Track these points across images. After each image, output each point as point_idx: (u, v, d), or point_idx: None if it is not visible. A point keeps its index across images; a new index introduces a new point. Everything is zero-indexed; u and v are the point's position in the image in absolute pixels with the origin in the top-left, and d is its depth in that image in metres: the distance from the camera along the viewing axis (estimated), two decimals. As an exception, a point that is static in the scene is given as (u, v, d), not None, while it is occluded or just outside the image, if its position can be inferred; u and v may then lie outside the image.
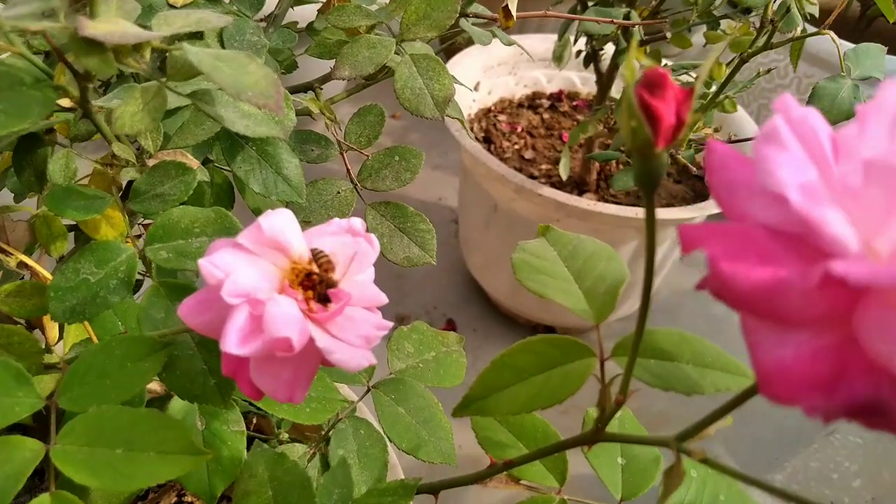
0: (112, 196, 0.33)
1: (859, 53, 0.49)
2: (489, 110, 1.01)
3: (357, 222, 0.28)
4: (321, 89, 0.43)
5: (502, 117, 1.00)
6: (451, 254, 1.06)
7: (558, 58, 0.82)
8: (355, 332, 0.26)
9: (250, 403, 0.40)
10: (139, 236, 0.38)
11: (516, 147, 0.96)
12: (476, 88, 0.98)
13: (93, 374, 0.28)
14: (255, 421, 0.46)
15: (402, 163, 0.42)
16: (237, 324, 0.24)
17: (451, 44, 0.57)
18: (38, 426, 0.31)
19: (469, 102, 0.97)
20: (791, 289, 0.17)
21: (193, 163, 0.34)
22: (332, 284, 0.26)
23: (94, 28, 0.24)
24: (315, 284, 0.26)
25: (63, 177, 0.32)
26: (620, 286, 0.28)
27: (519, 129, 0.99)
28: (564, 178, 0.82)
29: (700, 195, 0.91)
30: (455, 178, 1.15)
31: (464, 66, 0.95)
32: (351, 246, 0.27)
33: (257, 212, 0.46)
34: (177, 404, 0.35)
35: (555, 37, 0.85)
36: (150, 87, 0.27)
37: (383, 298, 0.28)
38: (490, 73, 1.00)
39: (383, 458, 0.39)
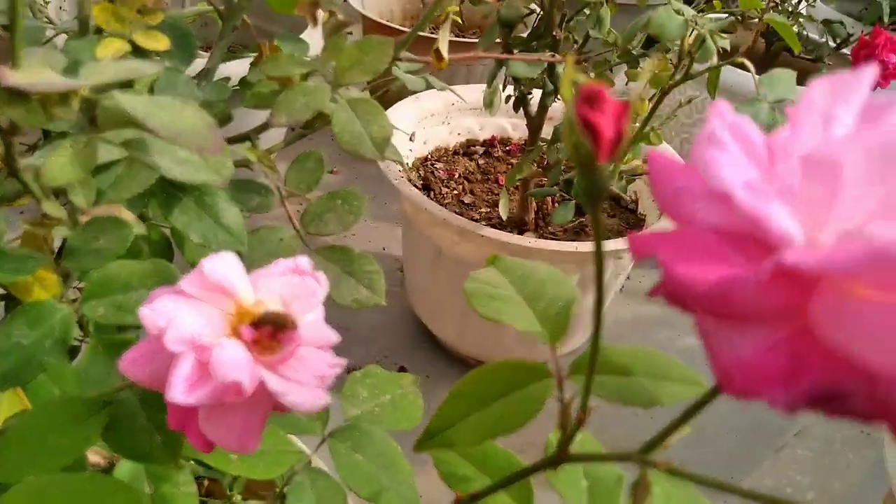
0: (43, 256, 0.32)
1: (772, 78, 0.51)
2: (426, 159, 1.02)
3: (304, 261, 0.27)
4: (258, 139, 0.43)
5: (439, 165, 1.01)
6: (399, 302, 1.05)
7: (489, 104, 0.83)
8: (308, 372, 0.25)
9: (200, 463, 0.38)
10: (74, 300, 0.36)
11: (455, 193, 0.97)
12: (412, 139, 0.99)
13: (29, 441, 0.26)
14: (206, 484, 0.44)
15: (344, 206, 0.42)
16: (183, 372, 0.23)
17: (384, 92, 0.58)
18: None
19: (406, 152, 0.98)
20: (744, 285, 0.17)
21: (129, 216, 0.33)
22: (286, 325, 0.26)
23: (17, 77, 0.23)
24: (264, 327, 0.26)
25: (-10, 238, 0.31)
26: (572, 307, 0.28)
27: (456, 176, 1.00)
28: (504, 218, 0.83)
29: (634, 227, 0.93)
30: (397, 228, 1.15)
31: (397, 118, 0.96)
32: (298, 286, 0.27)
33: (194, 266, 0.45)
34: (123, 469, 0.33)
35: (483, 86, 0.87)
36: (79, 137, 0.27)
37: (334, 337, 0.27)
38: (424, 124, 1.01)
39: (344, 509, 0.37)
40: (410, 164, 0.99)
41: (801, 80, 1.17)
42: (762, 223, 0.17)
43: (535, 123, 0.80)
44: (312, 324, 0.27)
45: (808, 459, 0.95)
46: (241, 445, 0.25)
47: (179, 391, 0.23)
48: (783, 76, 0.51)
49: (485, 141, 1.07)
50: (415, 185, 0.96)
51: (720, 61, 0.63)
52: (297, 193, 0.41)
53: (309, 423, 0.41)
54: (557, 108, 0.85)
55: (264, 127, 0.42)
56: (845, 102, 0.18)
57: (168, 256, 0.44)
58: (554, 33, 0.70)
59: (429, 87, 0.54)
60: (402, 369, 0.95)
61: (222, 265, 0.25)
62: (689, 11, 0.53)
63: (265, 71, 0.41)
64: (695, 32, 0.52)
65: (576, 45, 0.76)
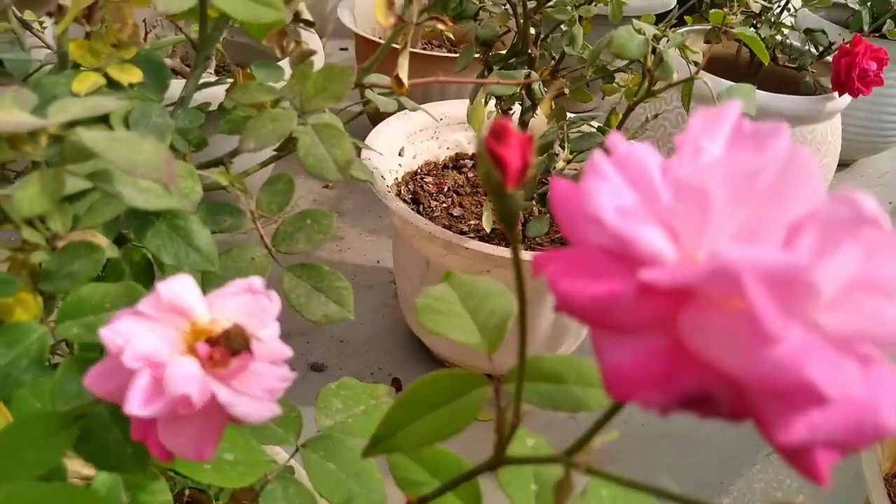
0: (21, 279, 0.34)
1: (732, 92, 0.53)
2: (416, 173, 1.04)
3: (257, 281, 0.29)
4: (231, 163, 0.45)
5: (429, 179, 1.04)
6: (392, 314, 1.07)
7: (472, 120, 0.86)
8: (259, 385, 0.27)
9: (176, 473, 0.40)
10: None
11: (444, 206, 0.99)
12: (401, 154, 1.02)
13: (5, 452, 0.29)
14: (187, 493, 0.46)
15: (314, 225, 0.44)
16: (139, 386, 0.25)
17: (360, 113, 0.60)
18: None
19: (395, 167, 1.00)
20: (620, 299, 0.19)
21: (102, 241, 0.35)
22: (246, 342, 0.28)
23: (-13, 119, 0.26)
24: (219, 344, 0.28)
25: (-29, 265, 0.33)
26: (509, 318, 0.30)
27: (445, 189, 1.02)
28: (488, 230, 0.85)
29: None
30: (391, 241, 1.17)
31: (386, 133, 0.98)
32: (251, 304, 0.29)
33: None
34: (101, 478, 0.35)
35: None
36: (47, 171, 0.29)
37: (287, 352, 0.29)
38: (413, 139, 1.03)
39: (313, 515, 0.39)
40: (400, 179, 1.01)
41: (785, 89, 1.18)
42: (632, 244, 0.19)
43: (516, 137, 0.82)
44: (266, 339, 0.29)
45: (798, 462, 0.95)
46: (198, 454, 0.27)
47: (136, 404, 0.25)
48: (742, 90, 0.53)
49: (473, 154, 1.09)
50: (404, 200, 0.98)
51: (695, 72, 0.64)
52: (267, 215, 0.43)
53: (283, 434, 0.43)
54: (537, 122, 0.87)
55: (237, 151, 0.44)
56: (711, 133, 0.20)
57: (149, 276, 0.46)
58: (529, 51, 0.72)
59: (401, 107, 0.56)
60: (395, 381, 0.97)
61: (178, 288, 0.27)
62: (649, 30, 0.55)
63: (234, 98, 0.43)
64: (656, 51, 0.54)
65: (553, 62, 0.78)
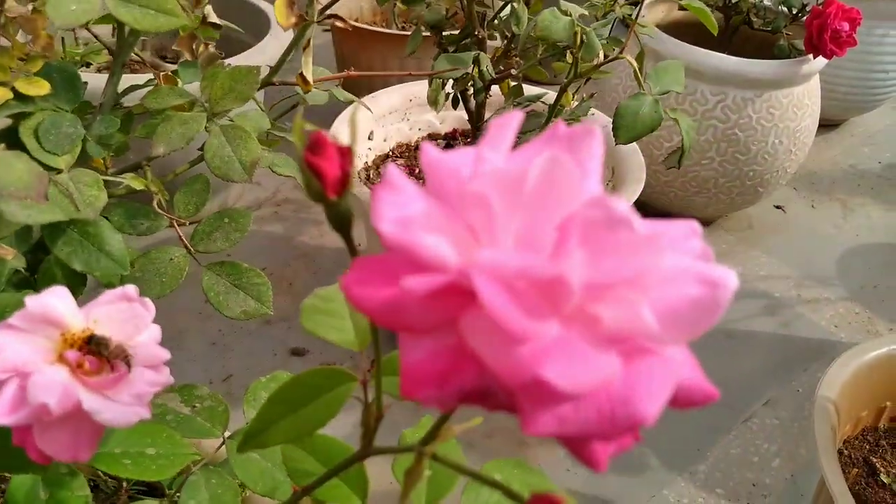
0: (-70, 293, 0.35)
1: (659, 71, 0.53)
2: (387, 156, 1.05)
3: (131, 289, 0.31)
4: (149, 166, 0.46)
5: (400, 161, 1.04)
6: (371, 298, 1.08)
7: (433, 102, 0.86)
8: (128, 391, 0.29)
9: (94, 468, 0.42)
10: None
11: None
12: (371, 137, 1.02)
13: None
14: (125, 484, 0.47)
15: (231, 224, 0.45)
16: (6, 396, 0.26)
17: (295, 106, 0.60)
18: None
19: (363, 151, 1.01)
20: (404, 304, 0.20)
21: (8, 252, 0.37)
22: (112, 350, 0.29)
23: None
24: (92, 352, 0.29)
25: None
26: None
27: (416, 171, 1.03)
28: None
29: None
30: (368, 225, 1.18)
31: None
32: (126, 311, 0.30)
33: (110, 286, 0.48)
34: (20, 479, 0.37)
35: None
36: (-75, 192, 0.30)
37: (165, 355, 0.31)
38: (383, 121, 1.04)
39: (236, 502, 0.41)
40: (370, 162, 1.02)
41: (763, 53, 1.17)
42: (410, 252, 0.20)
43: (475, 118, 0.82)
44: (142, 344, 0.30)
45: (776, 428, 0.96)
46: (73, 456, 0.28)
47: (0, 413, 0.26)
48: (670, 68, 0.53)
49: (446, 134, 1.09)
50: (374, 184, 0.99)
51: (643, 46, 0.64)
52: (183, 217, 0.44)
53: (209, 428, 0.44)
54: (494, 101, 0.87)
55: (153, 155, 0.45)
56: (498, 141, 0.21)
57: (83, 278, 0.48)
58: (476, 32, 0.72)
59: (332, 98, 0.57)
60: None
61: (48, 300, 0.28)
62: (576, 11, 0.55)
63: (147, 104, 0.44)
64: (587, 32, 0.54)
65: (505, 41, 0.78)
